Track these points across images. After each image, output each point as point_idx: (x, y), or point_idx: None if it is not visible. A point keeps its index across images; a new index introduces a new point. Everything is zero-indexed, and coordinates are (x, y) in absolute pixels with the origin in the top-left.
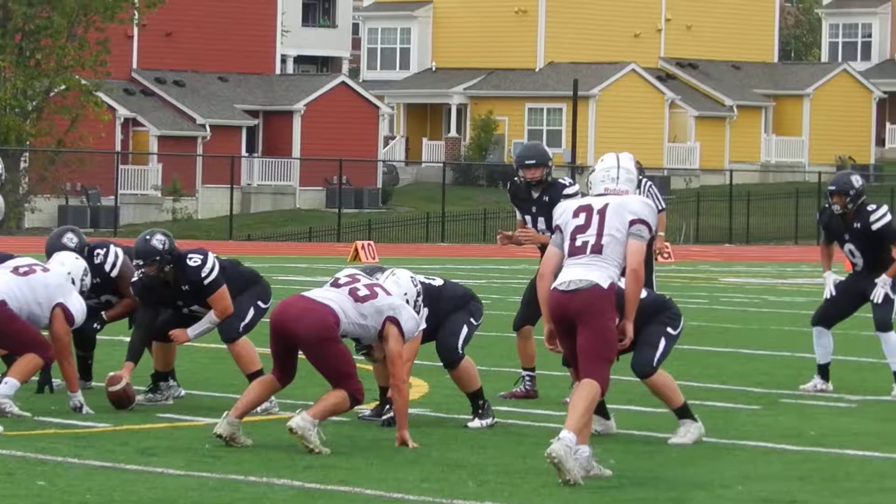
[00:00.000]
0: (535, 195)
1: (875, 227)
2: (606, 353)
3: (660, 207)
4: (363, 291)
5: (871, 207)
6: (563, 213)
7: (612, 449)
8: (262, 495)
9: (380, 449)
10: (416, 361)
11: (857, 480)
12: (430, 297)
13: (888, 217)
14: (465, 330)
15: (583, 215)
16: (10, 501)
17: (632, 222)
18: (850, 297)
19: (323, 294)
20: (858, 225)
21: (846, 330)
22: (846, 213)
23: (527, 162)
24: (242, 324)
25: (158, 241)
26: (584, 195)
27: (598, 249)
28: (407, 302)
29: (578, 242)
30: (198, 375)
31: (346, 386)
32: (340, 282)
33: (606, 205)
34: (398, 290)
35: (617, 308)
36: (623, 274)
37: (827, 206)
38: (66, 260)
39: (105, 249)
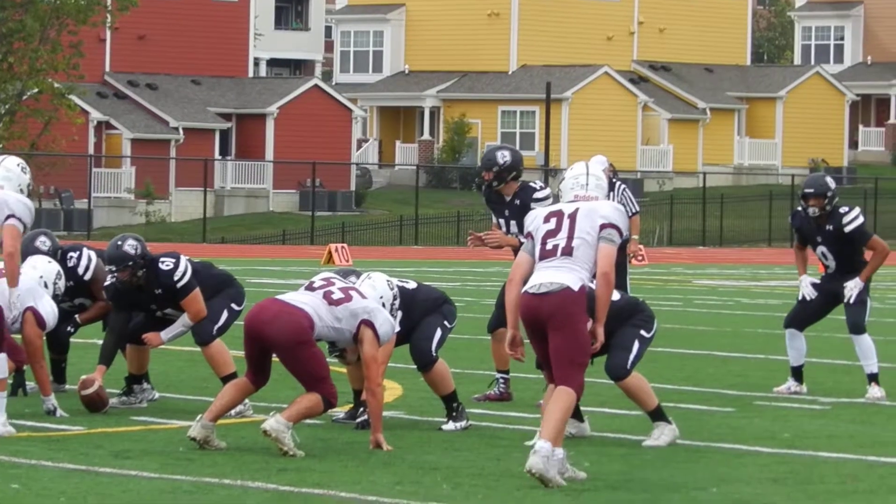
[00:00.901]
0: (507, 199)
1: (848, 228)
2: (579, 358)
3: (633, 210)
4: (338, 294)
5: (843, 209)
6: (535, 219)
7: (587, 451)
8: (237, 498)
9: (354, 452)
10: (390, 364)
11: (830, 483)
12: (404, 299)
13: (861, 219)
14: (438, 333)
15: (553, 220)
16: None
17: (602, 226)
18: (822, 299)
19: (297, 297)
20: (831, 227)
21: (819, 332)
22: (822, 215)
23: (485, 166)
24: (216, 327)
25: (130, 246)
26: (556, 198)
27: (568, 252)
28: (383, 305)
29: (549, 246)
30: (172, 378)
31: (320, 389)
32: (315, 285)
33: (577, 209)
34: (374, 294)
35: (589, 311)
36: (594, 277)
37: (799, 208)
38: (38, 264)
39: (78, 252)
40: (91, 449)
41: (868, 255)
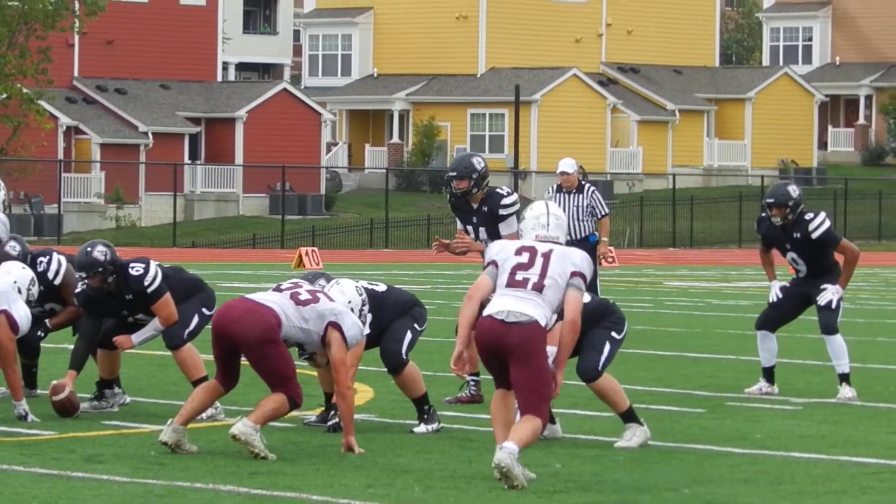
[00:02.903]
0: (475, 206)
1: (815, 235)
2: (546, 391)
3: (603, 212)
4: (305, 296)
5: (808, 216)
6: (503, 250)
7: (558, 453)
8: (209, 502)
9: (326, 455)
10: (360, 367)
11: (802, 483)
12: (374, 302)
13: (827, 223)
14: (409, 335)
15: (526, 254)
16: None
17: (573, 273)
18: (793, 301)
19: (265, 297)
20: (798, 234)
21: (791, 333)
22: (786, 223)
23: (449, 174)
24: (187, 331)
25: (100, 252)
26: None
27: (539, 288)
28: (352, 310)
29: (519, 277)
30: (143, 382)
31: (285, 389)
32: (282, 287)
33: (551, 250)
34: (342, 299)
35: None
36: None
37: (764, 215)
38: (12, 269)
39: (48, 257)
40: (63, 453)
41: (839, 256)
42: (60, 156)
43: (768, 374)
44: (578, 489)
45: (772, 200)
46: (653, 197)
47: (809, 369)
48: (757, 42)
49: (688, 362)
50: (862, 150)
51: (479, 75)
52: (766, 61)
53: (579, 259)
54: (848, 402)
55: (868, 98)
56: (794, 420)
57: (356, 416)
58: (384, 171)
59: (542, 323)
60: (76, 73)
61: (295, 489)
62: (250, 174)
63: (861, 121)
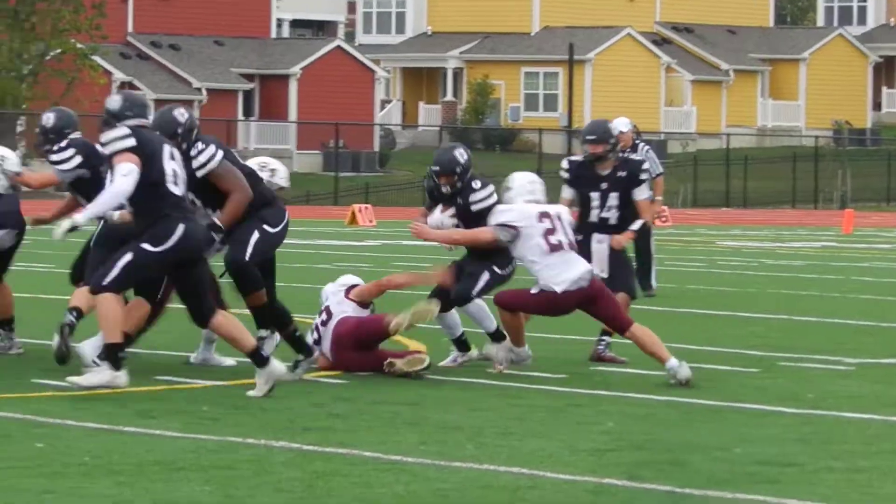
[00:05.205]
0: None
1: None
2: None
3: (657, 171)
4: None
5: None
6: (524, 216)
7: (610, 411)
8: (261, 457)
9: (378, 412)
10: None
11: (854, 443)
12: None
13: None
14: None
15: (547, 220)
16: (8, 463)
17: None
18: None
19: None
20: None
21: (844, 293)
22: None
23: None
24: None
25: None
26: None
27: (572, 246)
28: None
29: (554, 241)
30: (196, 340)
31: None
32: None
33: (559, 212)
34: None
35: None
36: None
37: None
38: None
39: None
40: (115, 408)
41: None
42: None
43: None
44: (630, 448)
45: (438, 169)
46: (706, 157)
47: (862, 330)
48: (812, 2)
49: (739, 322)
50: None
51: (532, 34)
52: (820, 22)
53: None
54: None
55: None
56: (846, 380)
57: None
58: (438, 128)
59: None
60: (130, 29)
61: (347, 445)
62: (304, 131)
63: None
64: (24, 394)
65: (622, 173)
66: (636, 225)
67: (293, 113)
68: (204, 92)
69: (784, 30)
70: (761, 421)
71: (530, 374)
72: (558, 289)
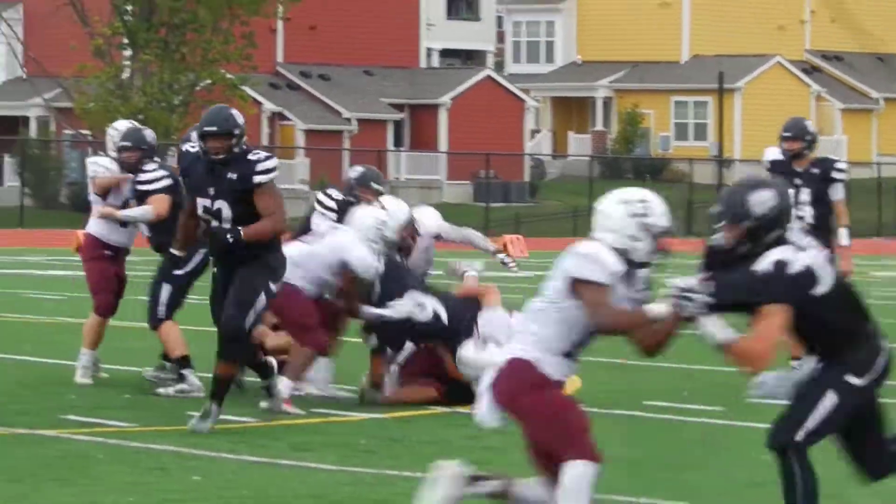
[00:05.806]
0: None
1: None
2: None
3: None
4: None
5: None
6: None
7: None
8: (418, 490)
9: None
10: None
11: None
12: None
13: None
14: None
15: None
16: (166, 496)
17: None
18: None
19: None
20: None
21: None
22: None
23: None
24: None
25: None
26: None
27: None
28: None
29: None
30: (350, 371)
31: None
32: None
33: None
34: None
35: None
36: None
37: None
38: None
39: None
40: (270, 441)
41: None
42: (264, 142)
43: None
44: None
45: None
46: (858, 186)
47: None
48: None
49: None
50: None
51: (682, 62)
52: None
53: None
54: None
55: None
56: None
57: None
58: (588, 158)
59: None
60: (280, 59)
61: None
62: (454, 161)
63: None
64: (177, 427)
65: (816, 170)
66: (844, 239)
67: (443, 143)
68: (354, 122)
69: None
70: None
71: (685, 407)
72: None
